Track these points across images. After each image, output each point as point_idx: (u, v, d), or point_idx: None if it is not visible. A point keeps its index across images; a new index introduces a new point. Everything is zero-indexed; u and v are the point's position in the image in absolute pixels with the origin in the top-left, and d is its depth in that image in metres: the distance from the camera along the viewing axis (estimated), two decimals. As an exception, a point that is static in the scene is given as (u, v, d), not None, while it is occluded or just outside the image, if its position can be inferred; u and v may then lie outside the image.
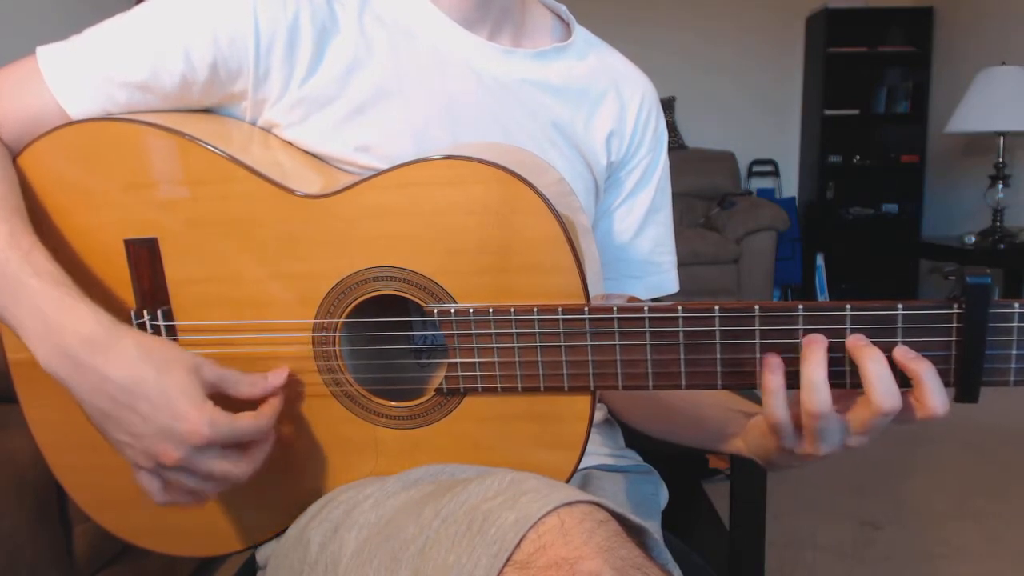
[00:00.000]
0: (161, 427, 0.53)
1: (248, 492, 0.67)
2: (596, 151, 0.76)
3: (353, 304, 0.61)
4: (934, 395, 0.51)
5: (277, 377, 0.61)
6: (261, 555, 0.72)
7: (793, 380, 0.54)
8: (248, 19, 0.63)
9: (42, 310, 0.54)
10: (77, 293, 0.56)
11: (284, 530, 0.67)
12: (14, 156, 0.64)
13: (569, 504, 0.49)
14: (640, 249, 0.81)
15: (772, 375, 0.54)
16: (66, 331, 0.54)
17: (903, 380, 0.53)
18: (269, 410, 0.59)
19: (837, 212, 4.32)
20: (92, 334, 0.54)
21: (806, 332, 0.54)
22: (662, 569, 0.49)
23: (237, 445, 0.57)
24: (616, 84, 0.77)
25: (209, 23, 0.63)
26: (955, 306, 0.52)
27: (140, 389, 0.53)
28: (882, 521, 1.93)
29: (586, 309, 0.56)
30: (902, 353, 0.52)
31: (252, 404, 0.59)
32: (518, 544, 0.47)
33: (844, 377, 0.54)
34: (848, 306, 0.53)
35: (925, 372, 0.51)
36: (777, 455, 0.60)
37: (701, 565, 0.77)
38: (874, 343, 0.53)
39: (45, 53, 0.64)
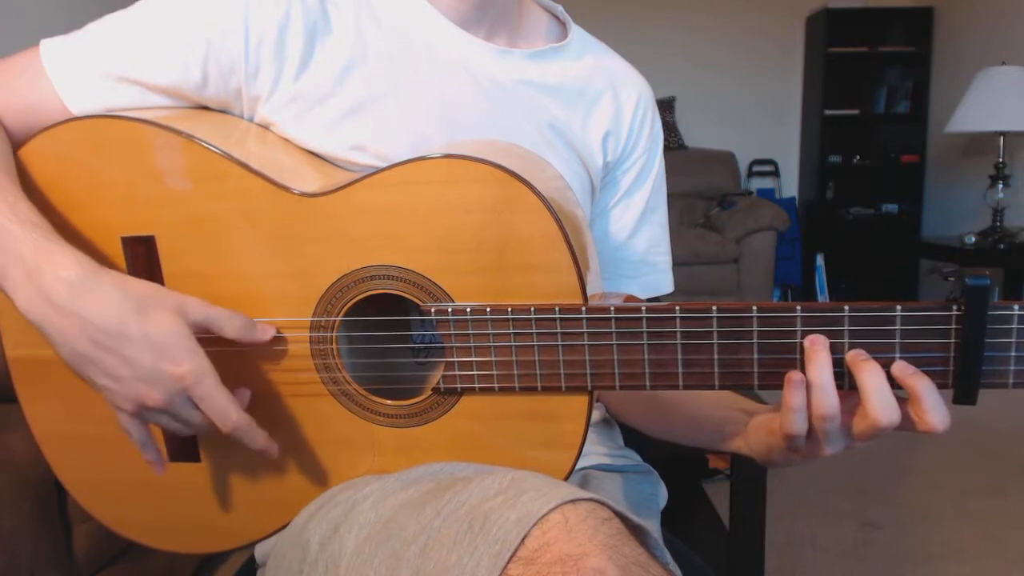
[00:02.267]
0: (146, 370, 0.53)
1: (247, 490, 0.68)
2: (592, 151, 0.76)
3: (350, 303, 0.61)
4: (932, 412, 0.51)
5: (265, 332, 0.61)
6: (260, 552, 0.72)
7: None
8: (239, 17, 0.64)
9: (24, 257, 0.54)
10: (60, 240, 0.56)
11: (282, 527, 0.67)
12: (16, 147, 0.65)
13: (572, 502, 0.49)
14: (635, 249, 0.81)
15: (796, 393, 0.54)
16: (46, 276, 0.54)
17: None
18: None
19: (837, 212, 4.32)
20: (73, 278, 0.54)
21: (804, 333, 0.53)
22: (664, 568, 0.49)
23: None
24: (613, 85, 0.77)
25: (202, 20, 0.64)
26: (954, 307, 0.51)
27: (123, 332, 0.53)
28: (882, 521, 1.93)
29: (583, 309, 0.56)
30: (900, 368, 0.52)
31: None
32: (522, 541, 0.47)
33: (842, 378, 0.54)
34: (846, 307, 0.53)
35: (923, 388, 0.51)
36: (780, 454, 0.61)
37: (700, 565, 0.77)
38: (872, 344, 0.53)
39: (48, 46, 0.66)
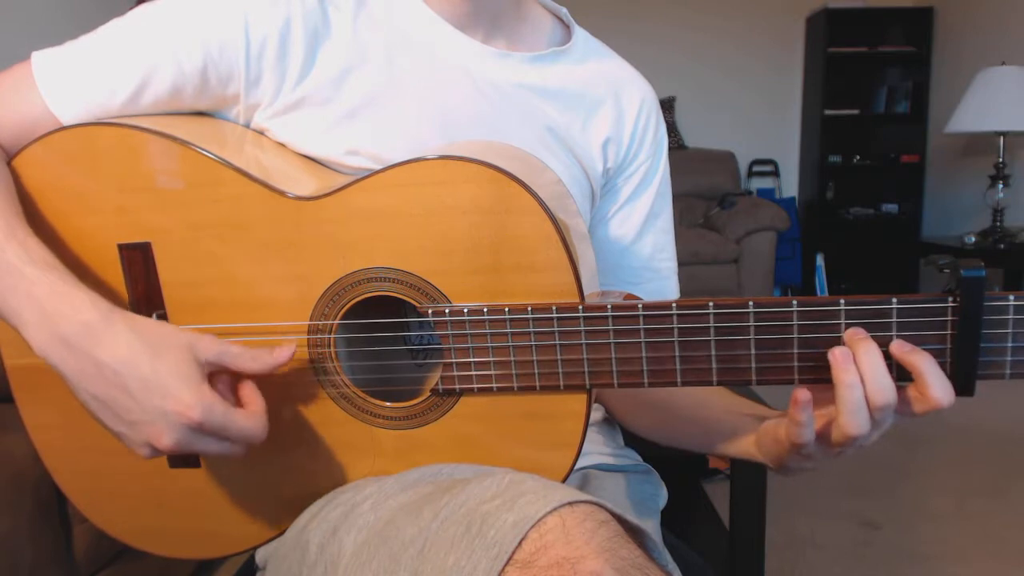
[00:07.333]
0: (154, 408, 0.53)
1: (247, 495, 0.68)
2: (592, 156, 0.75)
3: (348, 306, 0.61)
4: (936, 387, 0.51)
5: (282, 352, 0.59)
6: (260, 556, 0.71)
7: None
8: (239, 24, 0.63)
9: (38, 298, 0.54)
10: (73, 280, 0.56)
11: (283, 532, 0.67)
12: (8, 160, 0.64)
13: (570, 504, 0.49)
14: (639, 255, 0.80)
15: (803, 412, 0.54)
16: (62, 318, 0.54)
17: (901, 373, 0.53)
18: (262, 409, 0.58)
19: (837, 212, 4.32)
20: (88, 320, 0.54)
21: (800, 328, 0.54)
22: (662, 570, 0.49)
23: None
24: (615, 91, 0.76)
25: (200, 29, 0.63)
26: (950, 299, 0.52)
27: (133, 371, 0.53)
28: (882, 521, 1.92)
29: (580, 308, 0.56)
30: (898, 347, 0.53)
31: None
32: (519, 544, 0.47)
33: (827, 372, 0.54)
34: (842, 301, 0.53)
35: (925, 364, 0.51)
36: (791, 460, 0.61)
37: (700, 565, 0.77)
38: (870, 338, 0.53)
39: (40, 59, 0.64)
